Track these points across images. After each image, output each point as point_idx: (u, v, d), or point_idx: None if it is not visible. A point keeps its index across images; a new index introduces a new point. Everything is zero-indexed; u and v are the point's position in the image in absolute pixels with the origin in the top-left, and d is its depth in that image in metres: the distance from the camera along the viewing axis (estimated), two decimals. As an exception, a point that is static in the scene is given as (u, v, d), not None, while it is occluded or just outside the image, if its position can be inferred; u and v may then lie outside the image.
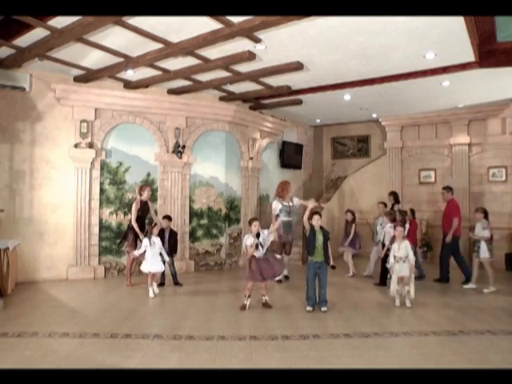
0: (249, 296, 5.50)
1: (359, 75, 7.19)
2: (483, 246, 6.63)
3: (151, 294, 6.16)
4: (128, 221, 7.21)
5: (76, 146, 7.41)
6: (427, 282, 7.22)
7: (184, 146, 8.25)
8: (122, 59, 6.36)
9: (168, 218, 6.97)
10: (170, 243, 6.79)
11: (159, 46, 5.77)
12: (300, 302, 5.80)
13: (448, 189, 7.73)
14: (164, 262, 6.42)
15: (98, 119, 7.65)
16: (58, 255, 7.33)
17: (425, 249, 9.72)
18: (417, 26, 5.12)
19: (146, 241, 6.23)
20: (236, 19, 4.84)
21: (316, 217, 5.52)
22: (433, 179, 10.17)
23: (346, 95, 8.44)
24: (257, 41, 5.59)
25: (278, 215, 7.19)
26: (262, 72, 6.85)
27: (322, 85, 7.82)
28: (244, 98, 8.67)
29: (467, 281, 7.05)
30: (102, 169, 7.70)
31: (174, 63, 6.54)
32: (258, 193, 9.72)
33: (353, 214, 8.07)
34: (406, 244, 5.80)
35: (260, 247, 5.42)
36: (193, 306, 5.70)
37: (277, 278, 7.09)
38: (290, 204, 7.38)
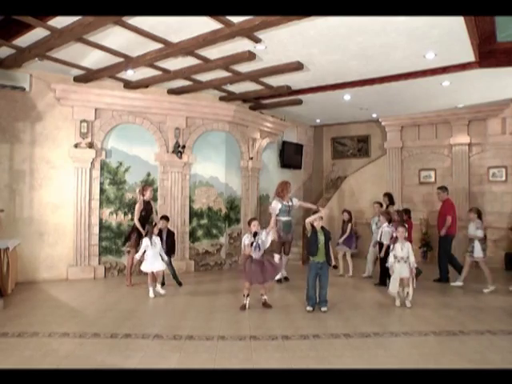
0: (247, 295, 5.51)
1: (359, 75, 7.19)
2: (477, 246, 6.69)
3: (151, 294, 6.16)
4: (128, 221, 7.21)
5: (76, 146, 7.41)
6: (427, 282, 7.22)
7: (184, 146, 8.26)
8: (122, 59, 6.36)
9: (165, 218, 6.96)
10: (168, 243, 6.78)
11: (159, 45, 5.77)
12: (300, 302, 5.80)
13: (443, 189, 7.83)
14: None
15: (98, 119, 7.65)
16: (58, 255, 7.33)
17: (425, 249, 9.73)
18: (417, 26, 5.12)
19: (146, 241, 6.24)
20: (236, 19, 4.84)
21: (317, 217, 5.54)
22: (433, 179, 10.17)
23: (346, 95, 8.44)
24: (257, 41, 5.59)
25: (277, 215, 7.23)
26: (262, 72, 6.85)
27: (322, 85, 7.82)
28: (244, 97, 8.67)
29: (440, 280, 7.36)
30: (101, 169, 7.70)
31: (174, 63, 6.55)
32: (258, 193, 9.72)
33: (349, 213, 8.12)
34: (409, 246, 5.84)
35: (257, 248, 5.42)
36: (193, 306, 5.70)
37: (276, 278, 7.12)
38: (290, 204, 7.39)
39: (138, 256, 6.32)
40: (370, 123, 11.37)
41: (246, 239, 5.50)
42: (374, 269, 7.72)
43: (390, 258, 5.86)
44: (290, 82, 7.58)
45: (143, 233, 6.62)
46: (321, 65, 6.63)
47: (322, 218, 5.59)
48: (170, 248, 6.80)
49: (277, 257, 7.29)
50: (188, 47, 5.63)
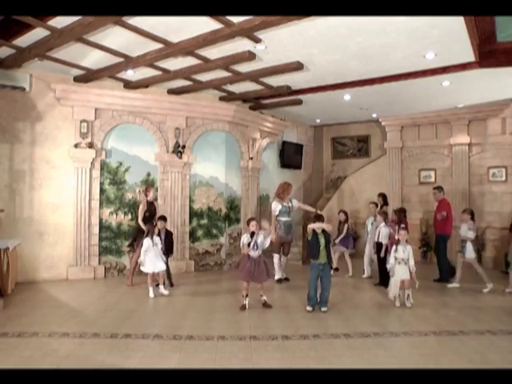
0: (246, 296, 5.52)
1: (359, 75, 7.19)
2: (469, 247, 6.72)
3: (151, 294, 6.16)
4: (128, 221, 7.19)
5: (76, 145, 7.41)
6: (427, 282, 7.21)
7: (184, 146, 8.25)
8: (122, 59, 6.36)
9: (163, 218, 6.95)
10: (166, 243, 6.79)
11: (159, 45, 5.77)
12: (300, 302, 5.81)
13: (439, 189, 7.86)
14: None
15: (98, 119, 7.65)
16: (58, 255, 7.33)
17: (425, 249, 9.73)
18: (417, 26, 5.12)
19: (148, 241, 6.24)
20: (236, 19, 4.84)
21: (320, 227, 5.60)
22: (433, 179, 10.16)
23: (346, 95, 8.44)
24: (257, 41, 5.59)
25: (277, 216, 7.26)
26: (262, 72, 6.85)
27: (322, 85, 7.82)
28: (244, 97, 8.67)
29: (440, 280, 7.33)
30: (102, 169, 7.70)
31: (174, 63, 6.54)
32: (258, 193, 9.72)
33: (346, 214, 8.15)
34: (410, 249, 5.84)
35: (255, 247, 5.46)
36: (193, 306, 5.70)
37: (276, 278, 7.13)
38: (290, 205, 7.41)
39: (142, 257, 6.31)
40: (370, 123, 11.37)
41: (245, 239, 5.58)
42: (371, 268, 7.73)
43: (391, 260, 5.87)
44: (290, 82, 7.58)
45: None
46: (321, 65, 6.64)
47: (322, 221, 5.67)
48: (168, 248, 6.81)
49: (276, 257, 7.31)
50: (188, 47, 5.63)
